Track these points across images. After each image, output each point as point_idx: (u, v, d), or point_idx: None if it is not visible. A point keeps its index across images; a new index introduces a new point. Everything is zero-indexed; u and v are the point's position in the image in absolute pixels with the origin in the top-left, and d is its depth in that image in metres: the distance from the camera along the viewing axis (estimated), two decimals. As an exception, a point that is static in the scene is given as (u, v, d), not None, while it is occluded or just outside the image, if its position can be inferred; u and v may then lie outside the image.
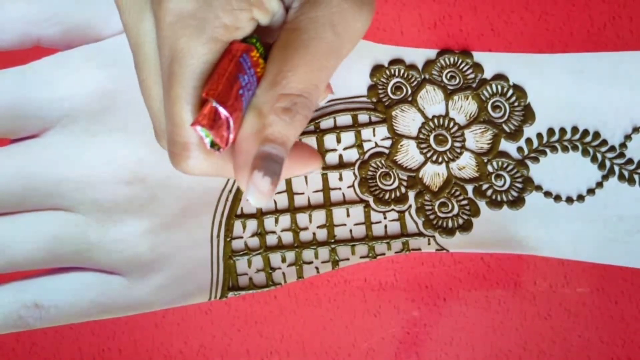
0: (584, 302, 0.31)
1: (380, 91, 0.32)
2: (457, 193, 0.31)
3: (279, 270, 0.31)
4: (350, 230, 0.31)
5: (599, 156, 0.31)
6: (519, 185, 0.31)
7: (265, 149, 0.19)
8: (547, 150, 0.31)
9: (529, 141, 0.31)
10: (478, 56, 0.32)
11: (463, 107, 0.32)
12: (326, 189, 0.31)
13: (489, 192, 0.31)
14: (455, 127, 0.32)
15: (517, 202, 0.31)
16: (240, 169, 0.20)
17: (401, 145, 0.32)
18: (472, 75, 0.32)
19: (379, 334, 0.31)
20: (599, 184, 0.31)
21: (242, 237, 0.31)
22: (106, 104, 0.31)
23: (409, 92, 0.32)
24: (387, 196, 0.31)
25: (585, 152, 0.31)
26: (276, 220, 0.31)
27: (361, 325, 0.31)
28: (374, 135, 0.32)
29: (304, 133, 0.32)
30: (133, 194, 0.31)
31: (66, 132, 0.31)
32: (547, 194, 0.31)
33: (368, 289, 0.32)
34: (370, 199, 0.31)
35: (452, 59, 0.32)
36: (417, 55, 0.32)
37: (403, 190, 0.31)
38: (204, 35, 0.19)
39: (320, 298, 0.31)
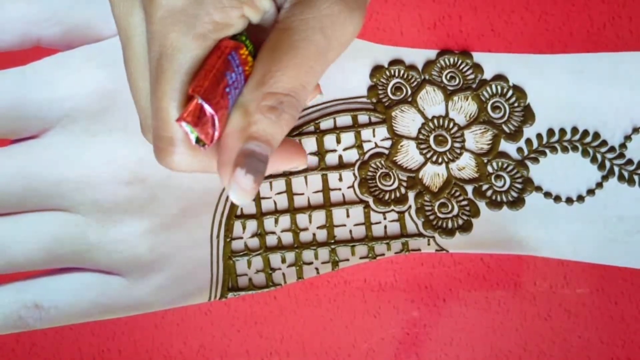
0: (583, 302, 0.31)
1: (380, 92, 0.32)
2: (457, 194, 0.31)
3: (278, 271, 0.31)
4: (350, 231, 0.31)
5: (599, 157, 0.31)
6: (519, 186, 0.31)
7: (249, 146, 0.19)
8: (547, 150, 0.31)
9: (528, 142, 0.31)
10: (478, 56, 0.32)
11: (463, 108, 0.32)
12: (326, 189, 0.31)
13: (489, 193, 0.31)
14: (455, 128, 0.32)
15: (517, 203, 0.31)
16: (223, 166, 0.20)
17: (401, 146, 0.32)
18: (472, 76, 0.32)
19: (378, 334, 0.31)
20: (599, 185, 0.31)
21: (242, 238, 0.31)
22: (106, 104, 0.31)
23: (409, 92, 0.32)
24: (386, 197, 0.31)
25: (585, 153, 0.31)
26: (276, 221, 0.31)
27: (361, 326, 0.31)
28: (374, 136, 0.32)
29: (304, 134, 0.32)
30: (133, 194, 0.31)
31: (66, 132, 0.31)
32: (547, 194, 0.31)
33: (368, 290, 0.32)
34: (370, 200, 0.31)
35: (452, 60, 0.32)
36: (417, 56, 0.32)
37: (403, 190, 0.31)
38: (193, 32, 0.19)
39: (320, 298, 0.31)
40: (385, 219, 0.31)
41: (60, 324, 0.30)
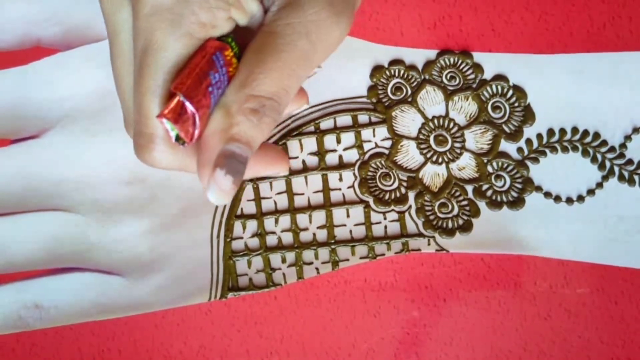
0: (584, 302, 0.31)
1: (380, 92, 0.32)
2: (457, 193, 0.31)
3: (279, 271, 0.31)
4: (350, 231, 0.31)
5: (599, 157, 0.31)
6: (519, 186, 0.31)
7: (229, 147, 0.20)
8: (547, 150, 0.31)
9: (529, 142, 0.31)
10: (478, 56, 0.32)
11: (463, 108, 0.32)
12: (326, 189, 0.31)
13: (489, 193, 0.31)
14: (455, 128, 0.32)
15: (517, 203, 0.31)
16: (203, 166, 0.20)
17: (401, 146, 0.32)
18: (472, 76, 0.32)
19: (378, 334, 0.31)
20: (599, 185, 0.31)
21: (242, 238, 0.31)
22: (106, 104, 0.31)
23: (409, 92, 0.32)
24: (387, 197, 0.31)
25: (585, 153, 0.31)
26: (276, 221, 0.31)
27: (361, 326, 0.31)
28: (374, 136, 0.32)
29: (305, 134, 0.32)
30: (133, 194, 0.31)
31: (66, 132, 0.31)
32: (547, 194, 0.31)
33: (368, 290, 0.32)
34: (370, 200, 0.31)
35: (452, 60, 0.32)
36: (417, 56, 0.32)
37: (403, 190, 0.31)
38: (179, 30, 0.19)
39: (320, 298, 0.31)
40: (385, 219, 0.31)
41: (60, 324, 0.30)
